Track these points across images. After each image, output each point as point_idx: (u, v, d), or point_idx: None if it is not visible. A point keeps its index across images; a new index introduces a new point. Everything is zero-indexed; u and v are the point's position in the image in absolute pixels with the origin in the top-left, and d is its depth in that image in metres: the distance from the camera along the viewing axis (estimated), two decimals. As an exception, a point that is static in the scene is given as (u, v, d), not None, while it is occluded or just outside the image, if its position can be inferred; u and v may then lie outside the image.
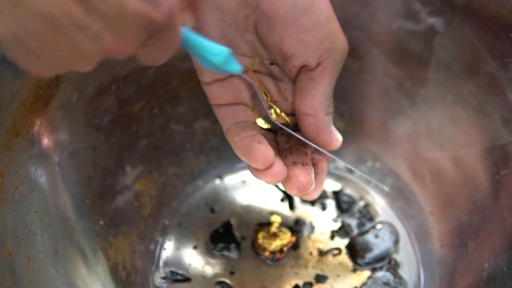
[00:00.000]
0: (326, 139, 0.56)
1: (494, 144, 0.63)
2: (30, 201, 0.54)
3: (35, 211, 0.55)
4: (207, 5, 0.51)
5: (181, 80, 0.70)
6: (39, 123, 0.56)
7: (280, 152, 0.56)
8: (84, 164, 0.63)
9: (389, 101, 0.72)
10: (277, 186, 0.75)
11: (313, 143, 0.56)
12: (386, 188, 0.71)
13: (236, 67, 0.46)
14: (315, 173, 0.57)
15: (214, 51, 0.44)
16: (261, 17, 0.52)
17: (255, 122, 0.56)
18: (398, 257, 0.69)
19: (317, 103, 0.54)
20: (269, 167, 0.50)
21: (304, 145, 0.57)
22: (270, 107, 0.56)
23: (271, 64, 0.56)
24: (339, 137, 0.57)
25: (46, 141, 0.58)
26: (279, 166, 0.50)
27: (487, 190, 0.65)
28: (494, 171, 0.64)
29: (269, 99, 0.56)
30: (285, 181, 0.53)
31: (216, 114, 0.56)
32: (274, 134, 0.58)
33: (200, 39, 0.44)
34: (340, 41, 0.54)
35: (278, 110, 0.56)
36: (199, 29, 0.51)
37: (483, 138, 0.65)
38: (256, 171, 0.51)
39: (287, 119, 0.57)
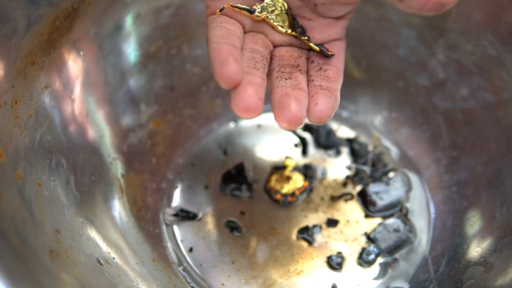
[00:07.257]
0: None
1: (511, 95, 0.63)
2: (43, 130, 0.55)
3: (48, 141, 0.56)
4: None
5: (199, 22, 0.70)
6: (55, 54, 0.57)
7: (281, 74, 0.51)
8: (99, 100, 0.64)
9: (408, 50, 0.71)
10: (293, 131, 0.75)
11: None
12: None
13: None
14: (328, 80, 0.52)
15: None
16: None
17: (240, 36, 0.51)
18: (410, 205, 0.69)
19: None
20: (235, 86, 0.46)
21: (303, 51, 0.55)
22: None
23: None
24: None
25: (61, 73, 0.58)
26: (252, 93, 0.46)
27: (501, 142, 0.64)
28: (508, 123, 0.64)
29: None
30: (276, 109, 0.47)
31: (207, 22, 0.51)
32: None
33: None
34: None
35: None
36: None
37: (499, 90, 0.64)
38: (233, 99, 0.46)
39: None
